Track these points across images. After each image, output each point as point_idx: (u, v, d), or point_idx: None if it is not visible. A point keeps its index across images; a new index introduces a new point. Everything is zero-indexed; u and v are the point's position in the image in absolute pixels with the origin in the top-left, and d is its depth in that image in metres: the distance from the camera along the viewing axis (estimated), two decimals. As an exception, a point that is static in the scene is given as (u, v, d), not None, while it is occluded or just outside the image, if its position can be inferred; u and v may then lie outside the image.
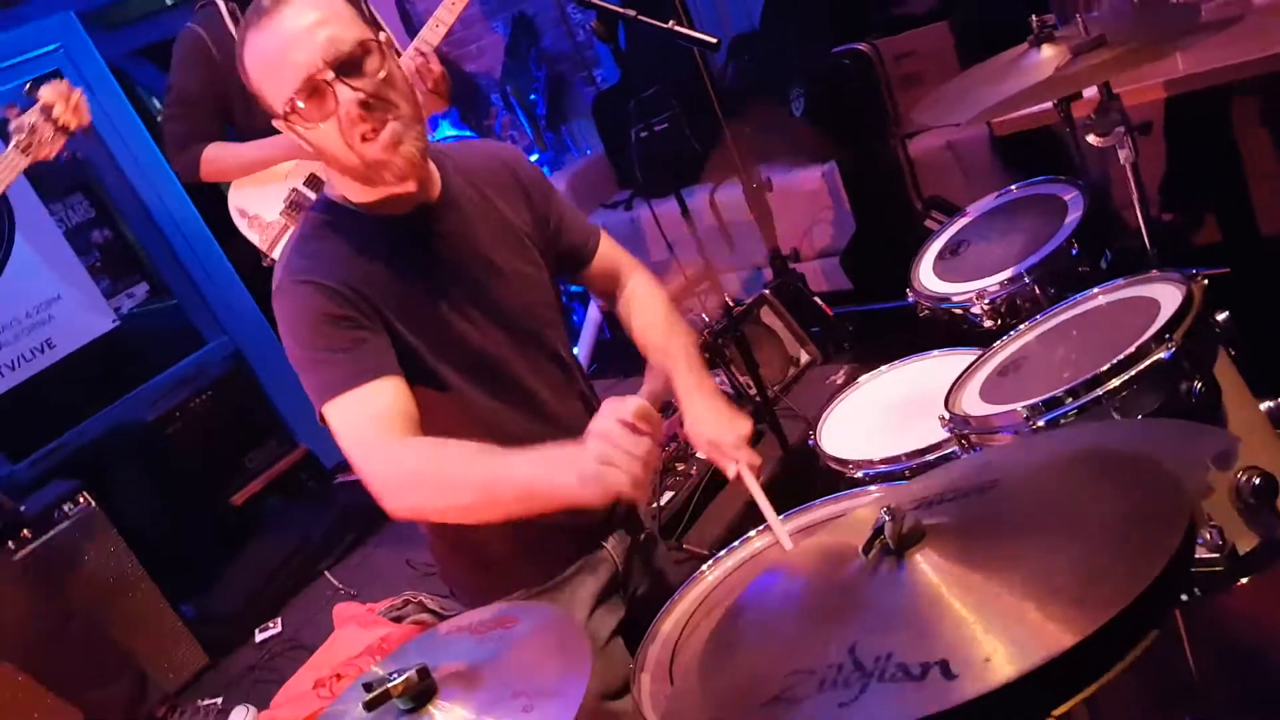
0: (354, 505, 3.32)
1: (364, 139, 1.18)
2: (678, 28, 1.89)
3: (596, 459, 1.04)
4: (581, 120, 4.57)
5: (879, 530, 0.79)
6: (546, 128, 4.60)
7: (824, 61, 3.12)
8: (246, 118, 2.37)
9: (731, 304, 2.67)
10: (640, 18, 1.91)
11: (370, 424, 1.18)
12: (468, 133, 4.44)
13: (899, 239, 2.99)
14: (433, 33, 2.33)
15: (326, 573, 3.08)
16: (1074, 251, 1.53)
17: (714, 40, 1.87)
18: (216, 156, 2.34)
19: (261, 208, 2.41)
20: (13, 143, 1.76)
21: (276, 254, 2.42)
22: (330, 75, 1.16)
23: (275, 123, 1.24)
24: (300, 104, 1.17)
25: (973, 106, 1.56)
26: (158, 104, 4.94)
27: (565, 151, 4.65)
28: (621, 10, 1.97)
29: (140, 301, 3.91)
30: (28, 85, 1.80)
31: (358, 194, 1.28)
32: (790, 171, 3.32)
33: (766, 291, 2.83)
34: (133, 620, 2.66)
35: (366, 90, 1.17)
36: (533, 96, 4.54)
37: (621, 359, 3.47)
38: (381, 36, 1.23)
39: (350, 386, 1.19)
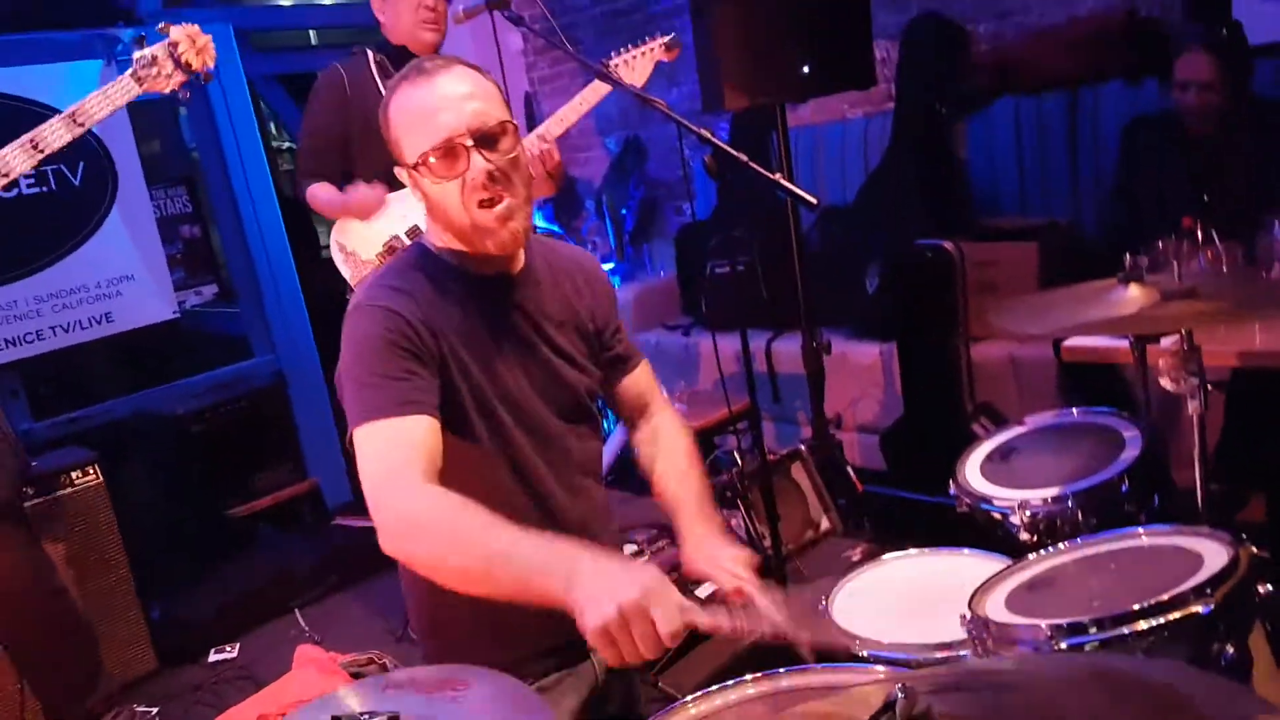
0: (344, 550, 3.29)
1: (480, 205, 1.29)
2: (783, 180, 1.98)
3: (610, 614, 0.98)
4: (662, 242, 4.72)
5: (890, 705, 0.78)
6: (629, 242, 4.76)
7: (907, 248, 3.21)
8: (361, 160, 2.53)
9: (767, 451, 2.67)
10: (751, 164, 2.00)
11: (397, 455, 1.21)
12: (556, 229, 4.60)
13: (943, 435, 3.01)
14: (557, 126, 2.51)
15: (297, 611, 3.04)
16: (1124, 488, 1.53)
17: (814, 200, 1.95)
18: (319, 195, 2.52)
19: (360, 246, 2.54)
20: (129, 69, 1.83)
21: (361, 292, 2.54)
22: (469, 142, 1.27)
23: (398, 170, 1.36)
24: (433, 160, 1.28)
25: (1050, 322, 1.60)
26: (273, 128, 5.21)
27: (640, 268, 4.80)
28: (736, 154, 2.06)
29: (205, 301, 4.02)
30: (161, 25, 1.86)
31: (450, 243, 1.37)
32: (851, 341, 3.39)
33: (803, 448, 2.84)
34: (101, 605, 2.62)
35: (495, 164, 1.28)
36: (624, 211, 4.72)
37: (638, 478, 3.47)
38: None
39: (389, 414, 1.22)
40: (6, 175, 1.70)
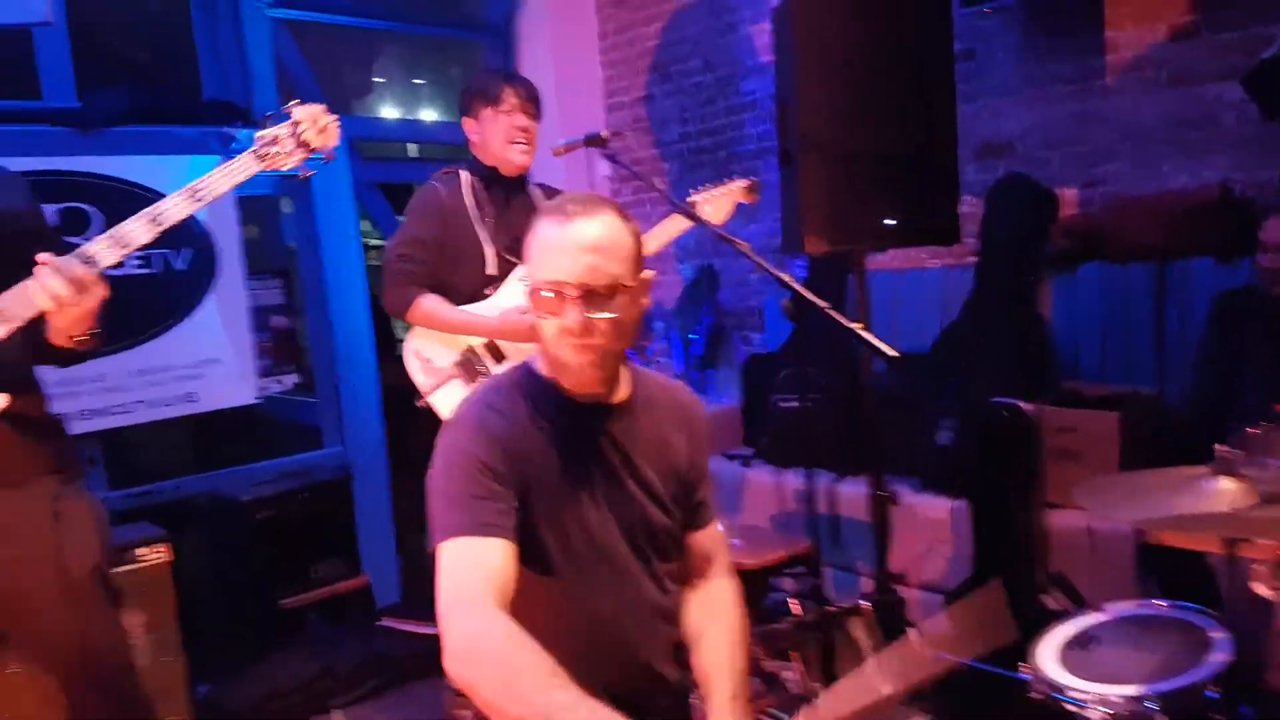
0: (388, 653, 3.26)
1: (569, 346, 1.34)
2: (862, 331, 1.98)
3: None
4: (729, 370, 4.75)
5: None
6: (695, 366, 4.80)
7: (982, 404, 3.17)
8: (451, 274, 2.60)
9: (827, 603, 2.60)
10: (829, 311, 2.01)
11: (471, 578, 1.24)
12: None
13: (1012, 603, 2.89)
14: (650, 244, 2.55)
15: (336, 711, 3.00)
16: (1211, 694, 1.45)
17: (895, 354, 1.95)
18: (432, 308, 2.53)
19: (436, 355, 2.60)
20: (252, 147, 1.84)
21: (432, 399, 2.58)
22: (573, 292, 1.31)
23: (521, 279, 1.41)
24: (540, 295, 1.34)
25: (1135, 510, 1.56)
26: (368, 227, 5.45)
27: (704, 393, 4.81)
28: (815, 299, 2.07)
29: (286, 389, 4.13)
30: (289, 104, 1.86)
31: (553, 371, 1.42)
32: (920, 494, 3.32)
33: (864, 604, 2.75)
34: (150, 681, 2.62)
35: (592, 319, 1.32)
36: (693, 336, 4.78)
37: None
38: (645, 275, 1.38)
39: (471, 534, 1.26)
40: (127, 247, 1.75)
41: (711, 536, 1.58)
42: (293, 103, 1.87)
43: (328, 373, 3.96)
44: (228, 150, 3.50)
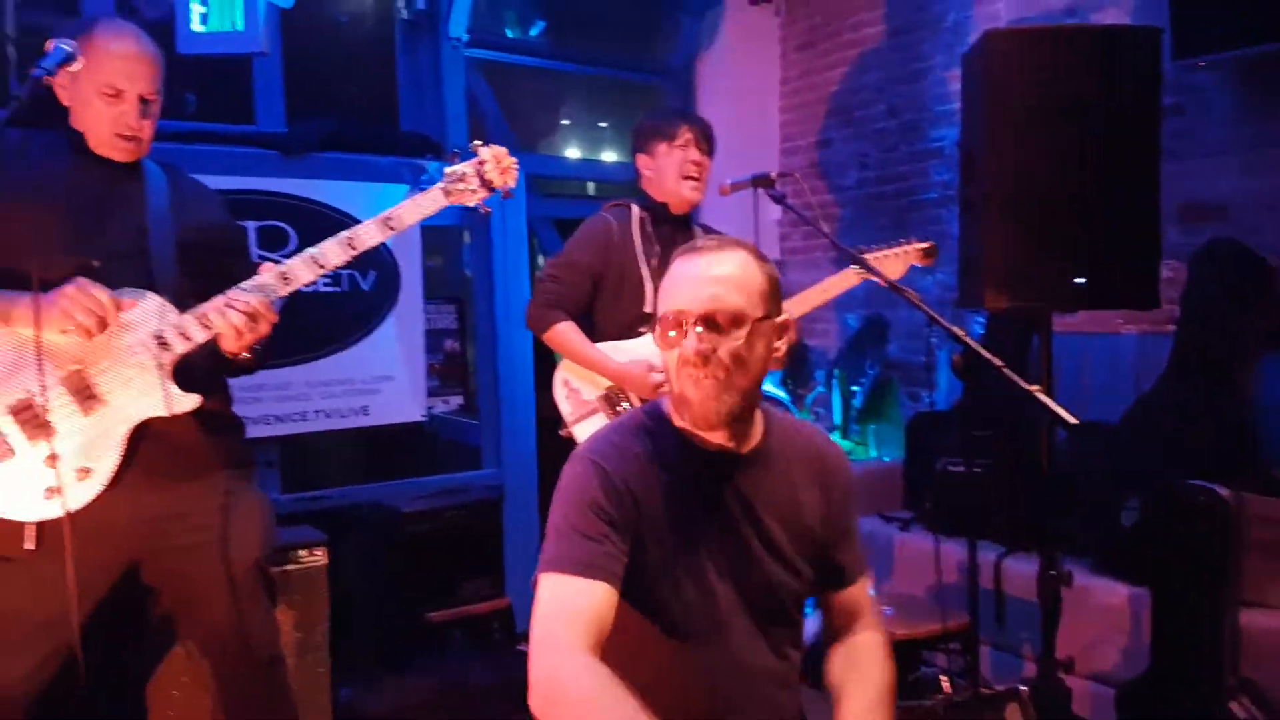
0: (522, 678, 3.27)
1: (687, 377, 1.30)
2: (1042, 395, 1.85)
3: None
4: (892, 427, 4.55)
5: None
6: (856, 419, 4.63)
7: (1175, 485, 2.89)
8: (601, 308, 2.64)
9: (981, 682, 2.41)
10: (1006, 371, 1.89)
11: (566, 617, 1.21)
12: (784, 395, 4.57)
13: (1194, 706, 2.60)
14: (797, 306, 2.51)
15: (467, 732, 3.03)
16: None
17: (1077, 422, 1.81)
18: (566, 334, 2.57)
19: (584, 385, 2.63)
20: (441, 182, 1.96)
21: (575, 429, 2.61)
22: (694, 321, 1.29)
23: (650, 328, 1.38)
24: (662, 326, 1.33)
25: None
26: (542, 261, 5.62)
27: (863, 447, 4.64)
28: (991, 358, 1.96)
29: (450, 410, 4.29)
30: (473, 144, 1.99)
31: (675, 411, 1.38)
32: (1096, 576, 3.05)
33: (1023, 689, 2.54)
34: (297, 679, 2.72)
35: (711, 346, 1.29)
36: (855, 388, 4.62)
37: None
38: (781, 318, 1.33)
39: (573, 572, 1.23)
40: (323, 267, 1.88)
41: (856, 597, 1.49)
42: (478, 142, 1.99)
43: (490, 397, 4.08)
44: (418, 181, 3.69)
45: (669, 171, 2.60)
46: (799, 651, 1.45)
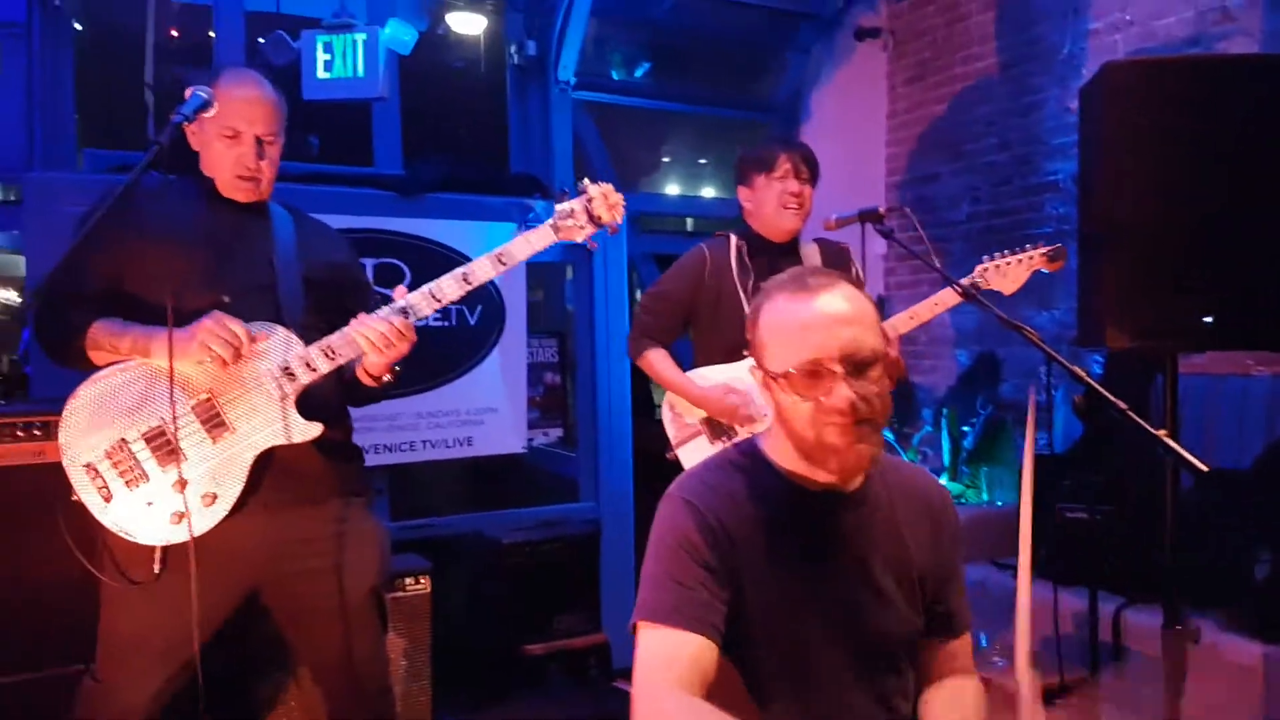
0: (619, 717, 3.26)
1: (833, 427, 1.24)
2: (1168, 439, 1.76)
3: None
4: (1004, 470, 4.39)
5: None
6: (965, 461, 4.48)
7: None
8: (697, 337, 2.71)
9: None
10: (1130, 414, 1.80)
11: (669, 669, 1.18)
12: (888, 435, 4.46)
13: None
14: (906, 322, 2.46)
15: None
16: None
17: (1205, 468, 1.71)
18: (656, 362, 2.69)
19: (686, 410, 2.68)
20: (550, 219, 2.01)
21: (680, 452, 2.63)
22: (837, 368, 1.23)
23: (752, 369, 1.35)
24: (796, 377, 1.25)
25: None
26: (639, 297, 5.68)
27: (974, 490, 4.47)
28: (1114, 400, 1.87)
29: (549, 442, 4.35)
30: (583, 181, 2.03)
31: (784, 455, 1.32)
32: (1225, 633, 2.86)
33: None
34: (401, 706, 2.77)
35: (860, 393, 1.23)
36: (965, 429, 4.47)
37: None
38: (891, 354, 1.30)
39: (671, 623, 1.20)
40: (440, 300, 1.95)
41: (955, 653, 1.41)
42: (586, 180, 2.03)
43: (589, 430, 4.12)
44: (525, 220, 3.78)
45: (768, 202, 2.62)
46: (909, 703, 1.38)
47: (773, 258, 2.67)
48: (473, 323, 3.80)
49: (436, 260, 3.66)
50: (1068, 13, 4.01)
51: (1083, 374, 1.93)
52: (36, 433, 2.36)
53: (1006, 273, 2.47)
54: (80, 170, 3.62)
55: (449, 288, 1.95)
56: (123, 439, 1.85)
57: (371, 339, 1.87)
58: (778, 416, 1.32)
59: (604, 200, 1.99)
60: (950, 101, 4.55)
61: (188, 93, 1.85)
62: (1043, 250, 2.48)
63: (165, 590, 1.84)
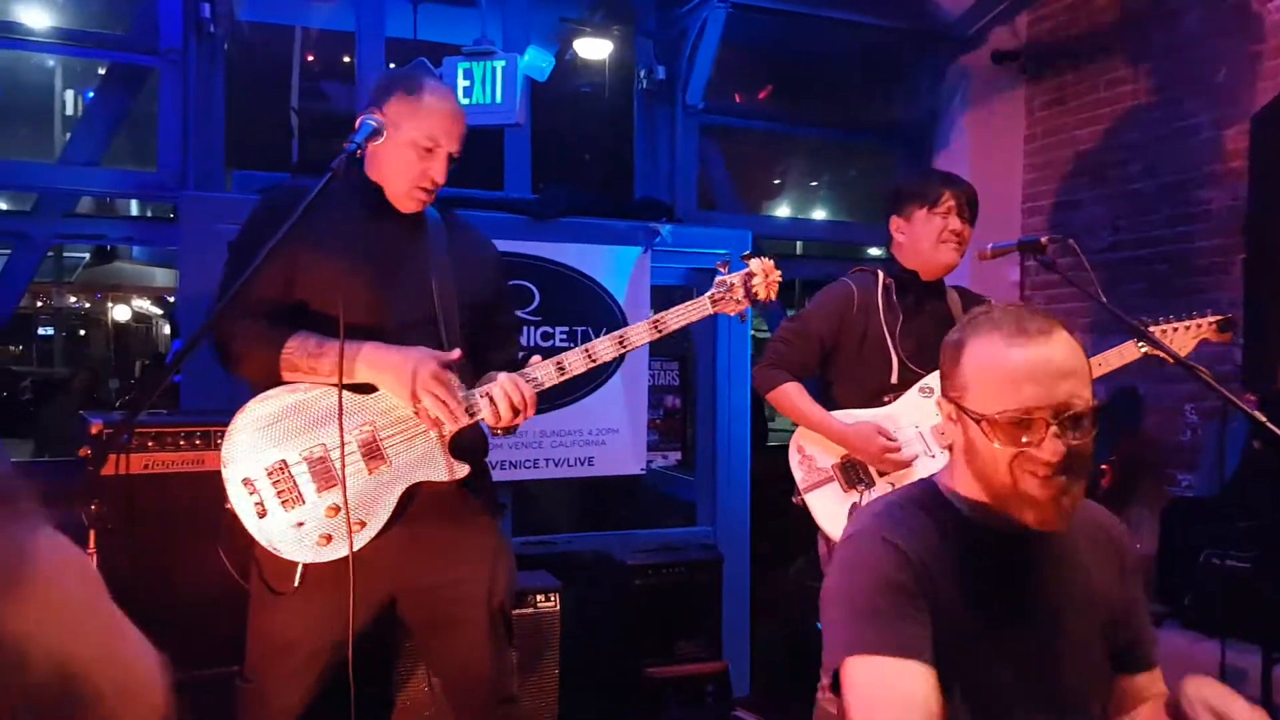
0: (738, 747, 3.21)
1: (1036, 477, 1.19)
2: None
3: None
4: (1144, 511, 4.17)
5: None
6: (1099, 502, 4.28)
7: None
8: (838, 376, 2.62)
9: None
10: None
11: (895, 703, 1.15)
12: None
13: None
14: (1094, 369, 2.33)
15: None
16: None
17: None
18: (792, 396, 2.57)
19: (818, 453, 2.59)
20: (709, 291, 2.01)
21: (807, 497, 2.56)
22: (1052, 421, 1.18)
23: (944, 403, 1.31)
24: (1003, 423, 1.20)
25: None
26: (757, 320, 5.64)
27: (1110, 532, 4.28)
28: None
29: (668, 465, 4.34)
30: (745, 255, 2.04)
31: (972, 493, 1.28)
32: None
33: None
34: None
35: (1070, 447, 1.18)
36: (1101, 467, 4.28)
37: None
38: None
39: (887, 653, 1.17)
40: (594, 361, 1.99)
41: (1151, 682, 1.35)
42: (749, 253, 2.05)
43: (708, 455, 4.10)
44: (650, 243, 3.80)
45: (927, 238, 2.52)
46: None
47: (920, 297, 2.59)
48: (597, 344, 3.83)
49: (563, 282, 3.71)
50: (1229, 35, 3.81)
51: (1262, 418, 1.82)
52: (198, 442, 2.47)
53: (1173, 339, 2.34)
54: (229, 190, 3.81)
55: (605, 349, 1.99)
56: (284, 460, 1.91)
57: (508, 403, 1.91)
58: (967, 454, 1.28)
59: (764, 277, 1.99)
60: (1093, 126, 4.38)
61: (357, 121, 1.91)
62: (1211, 319, 2.35)
63: (309, 600, 1.91)
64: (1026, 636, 1.25)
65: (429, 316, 2.01)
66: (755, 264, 1.99)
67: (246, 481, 1.90)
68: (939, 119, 4.70)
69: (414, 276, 2.03)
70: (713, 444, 4.09)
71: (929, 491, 1.34)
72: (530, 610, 2.88)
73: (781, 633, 4.01)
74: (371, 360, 1.89)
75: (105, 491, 1.65)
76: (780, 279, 2.01)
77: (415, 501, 1.96)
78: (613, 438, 3.85)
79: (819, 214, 9.65)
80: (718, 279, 2.00)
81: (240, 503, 1.91)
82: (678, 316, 2.00)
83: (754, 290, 1.98)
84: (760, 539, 4.02)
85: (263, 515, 1.90)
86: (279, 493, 1.90)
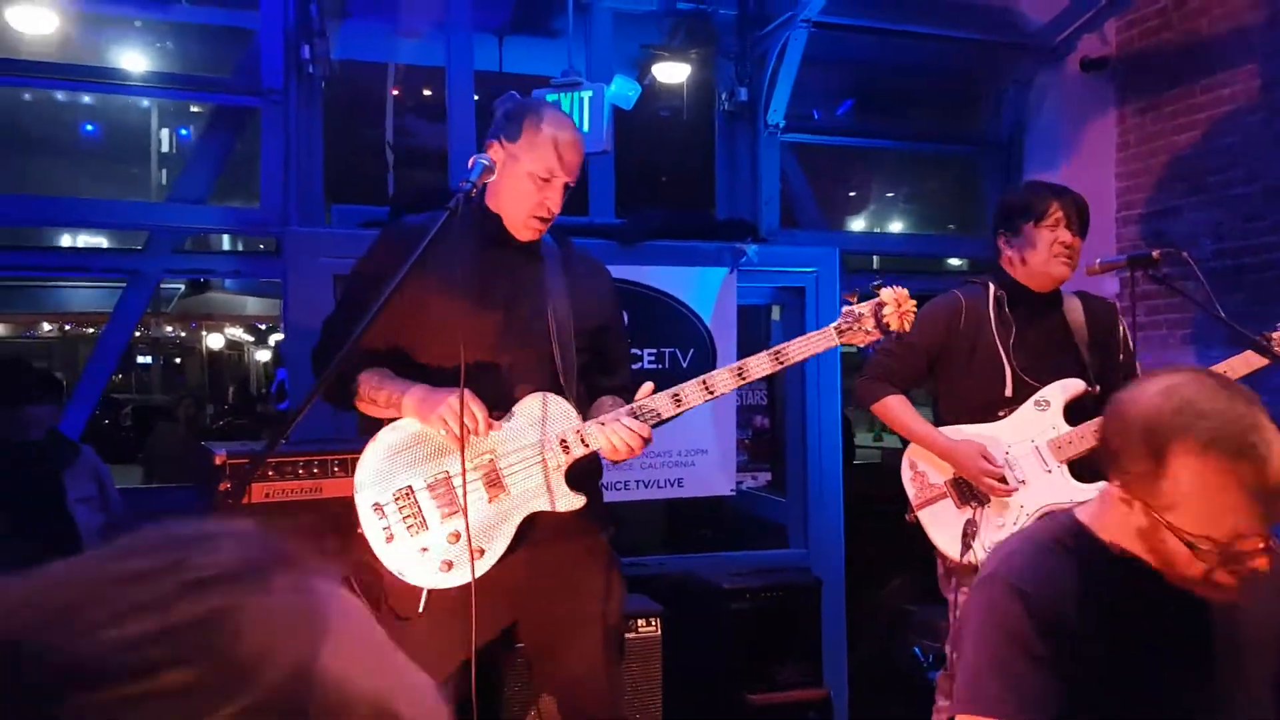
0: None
1: (1235, 575, 1.13)
2: None
3: None
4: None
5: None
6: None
7: None
8: (945, 389, 2.60)
9: None
10: None
11: None
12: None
13: None
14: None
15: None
16: None
17: None
18: (897, 409, 2.56)
19: (930, 469, 2.56)
20: (835, 322, 1.95)
21: (921, 514, 2.52)
22: (1260, 540, 1.12)
23: (1118, 490, 1.20)
24: (1211, 545, 1.11)
25: None
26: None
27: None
28: None
29: (757, 486, 4.32)
30: (875, 284, 1.95)
31: (1128, 541, 1.20)
32: None
33: None
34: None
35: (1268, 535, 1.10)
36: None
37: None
38: None
39: (996, 713, 1.14)
40: (712, 392, 1.98)
41: None
42: (878, 283, 1.95)
43: (799, 475, 4.06)
44: (736, 263, 3.81)
45: (1038, 252, 2.48)
46: None
47: (1034, 309, 2.55)
48: (685, 365, 3.84)
49: (651, 305, 3.74)
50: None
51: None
52: (315, 471, 2.55)
53: None
54: (330, 225, 3.94)
55: (722, 381, 1.98)
56: (410, 486, 1.97)
57: (620, 443, 1.93)
58: (1146, 535, 1.17)
59: (896, 307, 1.90)
60: (1190, 132, 4.25)
61: (471, 161, 1.96)
62: None
63: (430, 626, 1.94)
64: (1199, 702, 1.20)
65: (545, 344, 2.05)
66: (887, 293, 1.91)
67: (376, 507, 1.96)
68: (1027, 129, 4.62)
69: (532, 304, 2.07)
70: (803, 464, 4.05)
71: (1071, 530, 1.26)
72: (633, 635, 2.89)
73: (879, 657, 3.95)
74: (410, 397, 1.94)
75: (235, 522, 1.72)
76: (915, 309, 1.92)
77: (534, 527, 2.00)
78: (702, 459, 3.85)
79: (895, 226, 9.53)
80: (845, 309, 1.95)
81: (370, 527, 1.96)
82: (800, 348, 1.96)
83: (885, 321, 1.90)
84: (859, 558, 3.97)
85: (390, 540, 1.95)
86: (405, 518, 1.96)
